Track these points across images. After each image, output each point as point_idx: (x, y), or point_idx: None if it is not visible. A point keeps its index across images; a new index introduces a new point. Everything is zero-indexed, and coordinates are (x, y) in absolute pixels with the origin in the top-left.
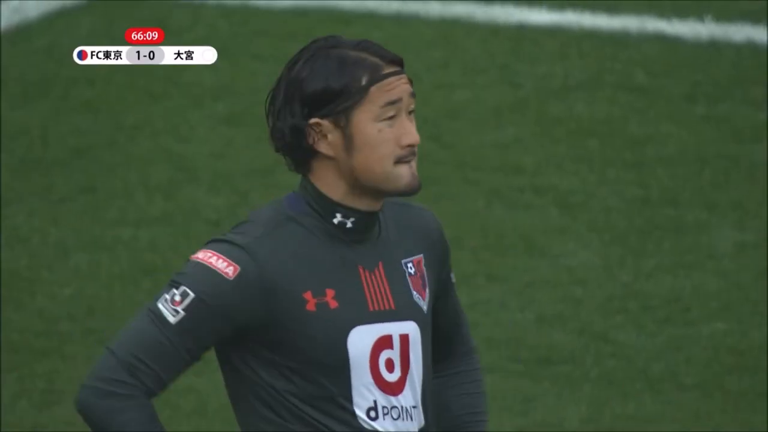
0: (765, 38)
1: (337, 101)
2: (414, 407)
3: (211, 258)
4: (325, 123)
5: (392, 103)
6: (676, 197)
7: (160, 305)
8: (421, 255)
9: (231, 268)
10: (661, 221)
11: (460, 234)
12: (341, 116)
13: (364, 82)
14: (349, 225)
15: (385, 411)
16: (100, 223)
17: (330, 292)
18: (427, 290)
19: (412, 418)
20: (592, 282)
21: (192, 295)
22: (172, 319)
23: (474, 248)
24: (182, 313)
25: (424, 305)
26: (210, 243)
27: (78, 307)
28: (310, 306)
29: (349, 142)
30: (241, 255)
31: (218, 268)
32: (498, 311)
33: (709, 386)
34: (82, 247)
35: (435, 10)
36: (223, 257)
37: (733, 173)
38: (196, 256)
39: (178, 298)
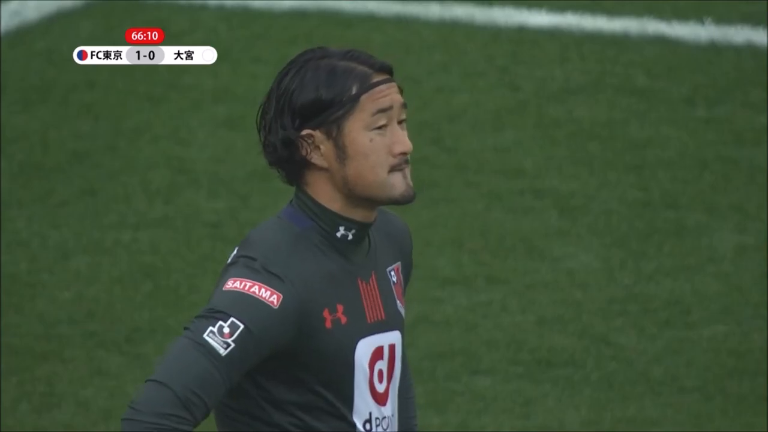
0: (765, 40)
1: (328, 112)
2: (392, 415)
3: (252, 288)
4: (317, 134)
5: (382, 111)
6: (677, 200)
7: (207, 338)
8: (399, 262)
9: (275, 297)
10: (661, 224)
11: (460, 236)
12: (333, 126)
13: (354, 91)
14: (350, 237)
15: (377, 422)
16: (100, 226)
17: (340, 308)
18: (404, 296)
19: (392, 427)
20: (593, 285)
21: (242, 326)
22: (222, 352)
23: (474, 251)
24: (232, 345)
25: (403, 312)
26: (240, 270)
27: (78, 311)
28: (328, 323)
29: (341, 152)
30: (280, 283)
31: (263, 298)
32: (498, 314)
33: (709, 389)
34: (83, 251)
35: (435, 12)
36: (265, 286)
37: (734, 176)
38: (233, 286)
39: (227, 330)
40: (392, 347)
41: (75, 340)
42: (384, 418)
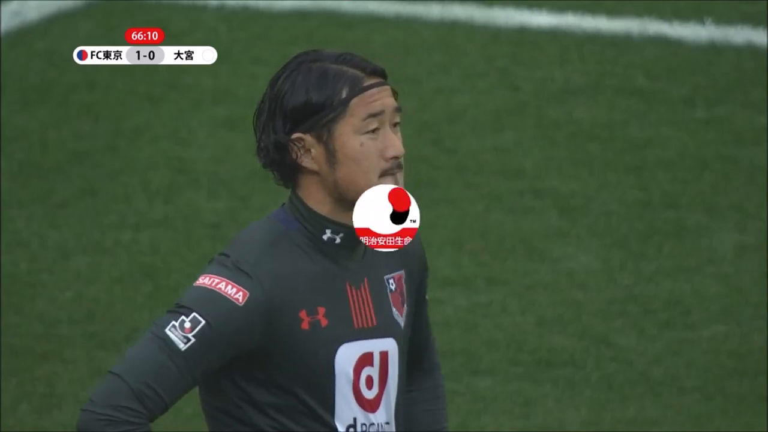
0: (765, 41)
1: (319, 115)
2: (387, 423)
3: (219, 284)
4: (308, 138)
5: (374, 115)
6: (677, 200)
7: (168, 332)
8: (402, 271)
9: (240, 294)
10: (661, 224)
11: (460, 237)
12: (323, 130)
13: (344, 95)
14: (338, 241)
15: (364, 428)
16: (100, 226)
17: (321, 310)
18: (405, 306)
19: None
20: (593, 285)
21: (203, 321)
22: (182, 347)
23: (474, 252)
24: (192, 339)
25: (402, 322)
26: (212, 267)
27: (78, 311)
28: (305, 325)
29: (331, 156)
30: (248, 280)
31: (228, 294)
32: (498, 314)
33: (709, 390)
34: (83, 251)
35: (435, 13)
36: (232, 283)
37: (734, 176)
38: (201, 282)
39: (188, 325)
40: (384, 354)
41: (75, 341)
42: (373, 424)
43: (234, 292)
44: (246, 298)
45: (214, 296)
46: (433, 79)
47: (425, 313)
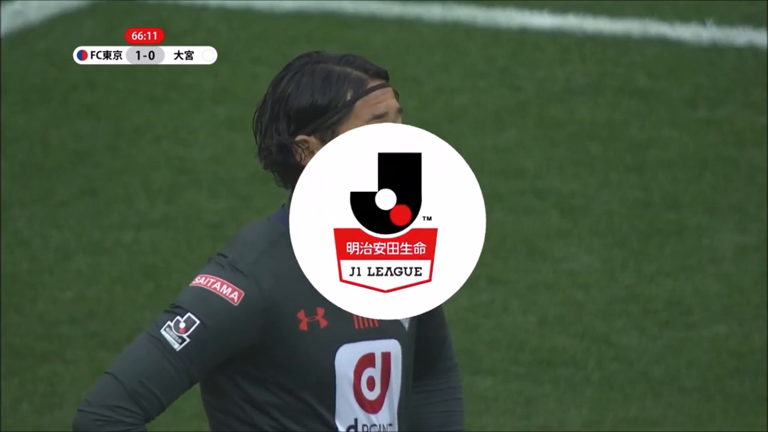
0: (766, 42)
1: (323, 118)
2: (390, 425)
3: (214, 284)
4: (312, 139)
5: (378, 117)
6: (678, 200)
7: (164, 333)
8: None
9: (235, 294)
10: (662, 224)
11: None
12: (327, 132)
13: (349, 97)
14: None
15: (365, 429)
16: (101, 226)
17: (320, 311)
18: None
19: None
20: (594, 285)
21: (197, 322)
22: (177, 347)
23: None
24: (187, 340)
25: (406, 323)
26: (209, 267)
27: (79, 311)
28: (303, 326)
29: None
30: (243, 280)
31: (223, 294)
32: (499, 314)
33: (710, 389)
34: (83, 251)
35: (436, 13)
36: (227, 283)
37: (734, 176)
38: (197, 281)
39: (183, 325)
40: (386, 356)
41: (76, 341)
42: (374, 425)
43: (229, 292)
44: (241, 298)
45: (209, 296)
46: (433, 78)
47: (437, 314)
